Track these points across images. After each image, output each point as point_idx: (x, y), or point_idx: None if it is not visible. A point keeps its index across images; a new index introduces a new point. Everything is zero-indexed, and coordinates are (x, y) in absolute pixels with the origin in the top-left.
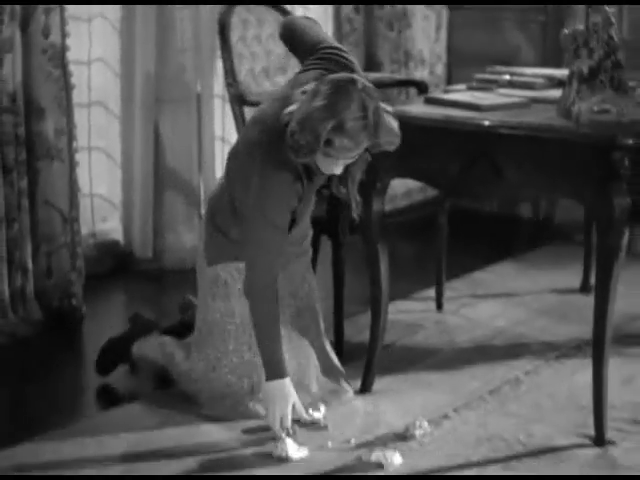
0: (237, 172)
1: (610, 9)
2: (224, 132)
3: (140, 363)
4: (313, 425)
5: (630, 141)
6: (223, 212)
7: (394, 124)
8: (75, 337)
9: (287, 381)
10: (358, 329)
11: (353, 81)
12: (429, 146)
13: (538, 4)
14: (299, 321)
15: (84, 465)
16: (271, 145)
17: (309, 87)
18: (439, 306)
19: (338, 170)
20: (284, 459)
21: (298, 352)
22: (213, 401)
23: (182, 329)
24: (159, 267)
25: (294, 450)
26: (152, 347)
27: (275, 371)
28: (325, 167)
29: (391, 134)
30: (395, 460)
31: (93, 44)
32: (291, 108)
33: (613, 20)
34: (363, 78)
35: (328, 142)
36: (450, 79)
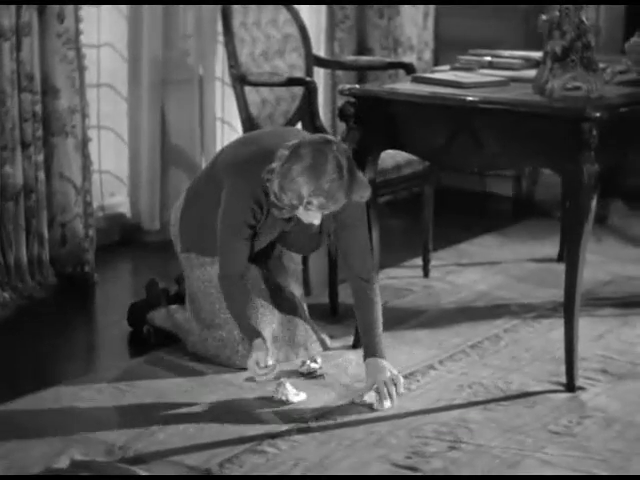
0: (216, 178)
1: None
2: (224, 113)
3: (154, 330)
4: (310, 374)
5: (598, 114)
6: (200, 205)
7: (364, 177)
8: (87, 300)
9: (258, 341)
10: (349, 293)
11: (328, 142)
12: (416, 120)
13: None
14: (275, 277)
15: (99, 409)
16: (250, 174)
17: (290, 143)
18: (426, 273)
19: (317, 221)
20: (284, 402)
21: (276, 303)
22: (211, 357)
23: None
24: (165, 238)
25: (293, 394)
26: (162, 316)
27: (249, 335)
28: (305, 218)
29: (363, 187)
30: (386, 404)
31: (102, 29)
32: (274, 165)
33: (583, 5)
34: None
35: (308, 202)
36: (437, 64)
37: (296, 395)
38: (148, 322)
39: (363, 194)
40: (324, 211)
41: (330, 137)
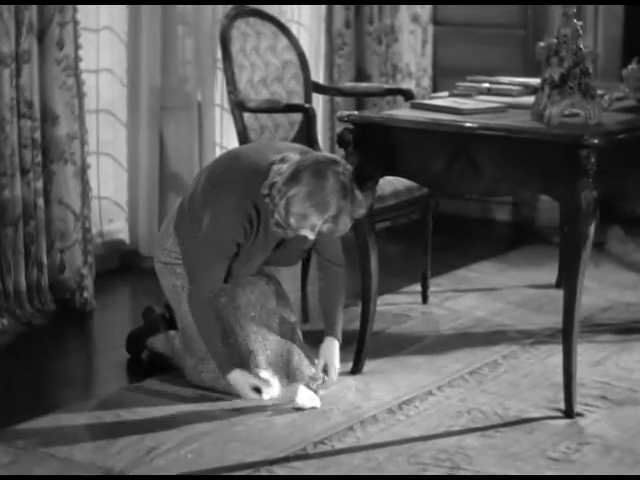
0: (204, 191)
1: (578, 22)
2: (223, 139)
3: (153, 356)
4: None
5: (596, 141)
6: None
7: (361, 196)
8: (86, 327)
9: (236, 372)
10: (350, 319)
11: (333, 162)
12: (414, 146)
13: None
14: (265, 302)
15: (98, 434)
16: (242, 187)
17: (287, 156)
18: (425, 299)
19: (312, 236)
20: (300, 408)
21: (269, 329)
22: (209, 388)
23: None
24: None
25: (309, 400)
26: (161, 342)
27: (224, 363)
28: (305, 233)
29: (362, 207)
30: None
31: (101, 55)
32: (274, 180)
33: (581, 32)
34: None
35: (319, 230)
36: (436, 90)
37: (312, 401)
38: (147, 348)
39: (361, 212)
40: (332, 233)
41: (334, 157)
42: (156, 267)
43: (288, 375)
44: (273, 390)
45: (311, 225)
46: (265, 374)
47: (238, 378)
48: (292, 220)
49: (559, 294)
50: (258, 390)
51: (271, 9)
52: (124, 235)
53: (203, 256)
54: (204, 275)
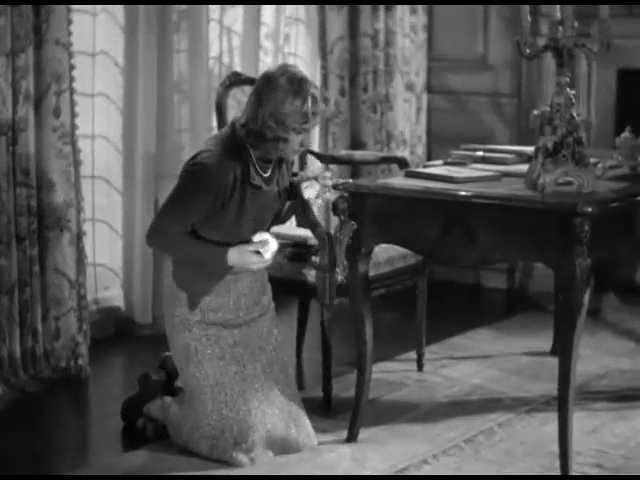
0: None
1: (571, 91)
2: None
3: (149, 423)
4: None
5: (590, 209)
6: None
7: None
8: (81, 394)
9: (230, 252)
10: (345, 387)
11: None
12: (410, 214)
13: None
14: (269, 373)
15: None
16: (215, 147)
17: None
18: (420, 367)
19: (297, 146)
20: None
21: (270, 403)
22: (205, 455)
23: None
24: (158, 332)
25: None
26: (158, 408)
27: (219, 253)
28: (292, 148)
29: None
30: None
31: (97, 121)
32: (241, 113)
33: (574, 101)
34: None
35: (310, 123)
36: (430, 158)
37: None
38: (144, 415)
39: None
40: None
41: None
42: (169, 322)
43: (285, 447)
44: (271, 245)
45: (302, 114)
46: (258, 236)
47: (235, 255)
48: (285, 120)
49: (554, 361)
50: (258, 253)
51: None
52: (119, 302)
53: (165, 222)
54: (163, 235)
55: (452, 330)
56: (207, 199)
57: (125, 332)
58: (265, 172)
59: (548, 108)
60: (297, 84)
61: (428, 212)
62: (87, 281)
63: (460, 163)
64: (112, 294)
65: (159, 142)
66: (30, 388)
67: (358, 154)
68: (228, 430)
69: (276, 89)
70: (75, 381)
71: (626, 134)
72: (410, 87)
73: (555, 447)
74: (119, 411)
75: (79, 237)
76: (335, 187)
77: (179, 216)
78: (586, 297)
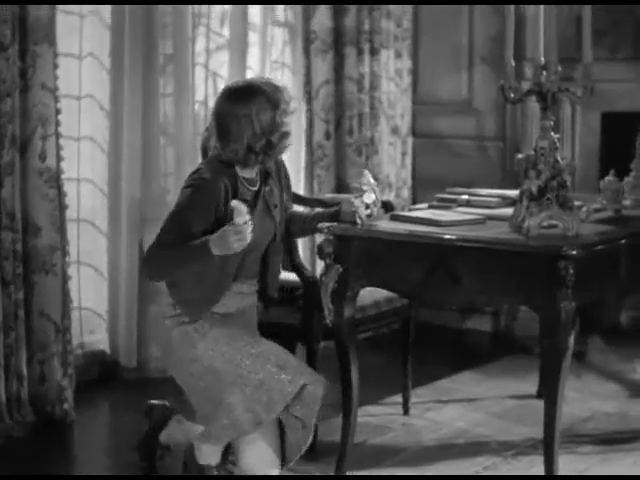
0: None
1: (555, 135)
2: None
3: (166, 451)
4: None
5: (574, 252)
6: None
7: None
8: (66, 439)
9: (211, 240)
10: (331, 430)
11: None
12: (395, 258)
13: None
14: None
15: None
16: (206, 166)
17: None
18: (406, 411)
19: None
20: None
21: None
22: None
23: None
24: (143, 376)
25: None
26: (174, 428)
27: (202, 245)
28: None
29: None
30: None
31: (82, 164)
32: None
33: (558, 145)
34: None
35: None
36: (415, 201)
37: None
38: (161, 446)
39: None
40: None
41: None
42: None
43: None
44: (241, 209)
45: (291, 108)
46: (234, 203)
47: (216, 239)
48: (277, 118)
49: (540, 404)
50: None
51: None
52: (104, 346)
53: (167, 237)
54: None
55: (438, 373)
56: (208, 211)
57: (110, 376)
58: (253, 186)
59: (532, 152)
60: (274, 94)
61: (413, 255)
62: (72, 325)
63: (445, 206)
64: (97, 338)
65: (144, 186)
66: (15, 433)
67: (343, 197)
68: (250, 411)
69: (261, 105)
70: (60, 426)
71: (610, 177)
72: (395, 130)
73: None
74: (112, 455)
75: (64, 281)
76: (320, 230)
77: (180, 229)
78: (571, 340)
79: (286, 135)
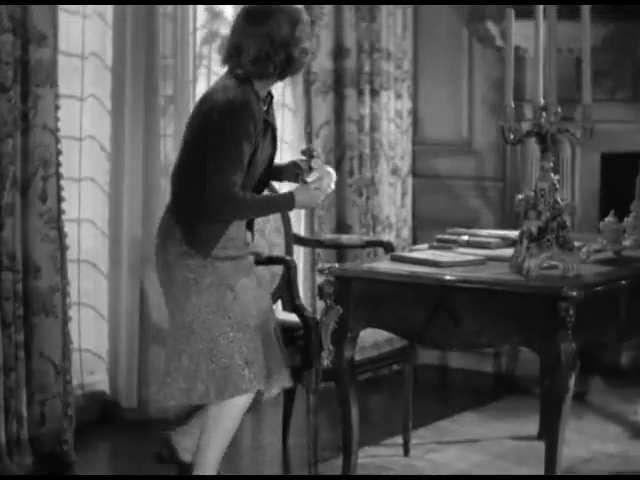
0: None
1: (555, 176)
2: None
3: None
4: None
5: (574, 293)
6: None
7: None
8: None
9: (295, 194)
10: (331, 471)
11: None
12: (395, 299)
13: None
14: None
15: None
16: (226, 87)
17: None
18: (406, 452)
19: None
20: None
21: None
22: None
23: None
24: (144, 417)
25: None
26: (186, 434)
27: (286, 199)
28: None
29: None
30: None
31: (83, 205)
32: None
33: (558, 186)
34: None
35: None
36: (415, 241)
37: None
38: (181, 462)
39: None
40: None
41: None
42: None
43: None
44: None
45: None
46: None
47: (302, 196)
48: (297, 33)
49: (541, 446)
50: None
51: None
52: (104, 386)
53: (227, 163)
54: (231, 178)
55: (439, 414)
56: (252, 134)
57: (110, 417)
58: (265, 106)
59: (532, 193)
60: (293, 12)
61: (413, 296)
62: (72, 366)
63: (445, 247)
64: (97, 379)
65: (145, 226)
66: (15, 474)
67: (344, 238)
68: (237, 352)
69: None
70: (61, 467)
71: (610, 218)
72: (395, 171)
73: None
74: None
75: (65, 322)
76: (320, 271)
77: (241, 164)
78: (572, 382)
79: (305, 51)
